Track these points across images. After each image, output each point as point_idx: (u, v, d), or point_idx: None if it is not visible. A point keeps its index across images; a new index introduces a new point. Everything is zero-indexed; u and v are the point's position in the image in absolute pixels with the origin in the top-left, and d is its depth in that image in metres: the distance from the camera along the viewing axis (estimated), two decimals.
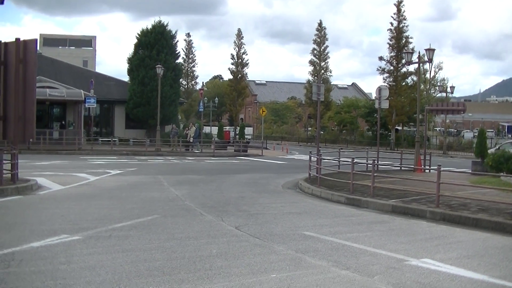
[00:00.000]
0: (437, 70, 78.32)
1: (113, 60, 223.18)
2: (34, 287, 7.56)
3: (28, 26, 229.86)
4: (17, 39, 19.17)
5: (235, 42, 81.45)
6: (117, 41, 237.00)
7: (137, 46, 57.89)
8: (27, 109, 19.14)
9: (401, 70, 65.29)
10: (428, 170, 28.37)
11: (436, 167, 16.47)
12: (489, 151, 30.60)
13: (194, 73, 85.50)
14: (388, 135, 69.39)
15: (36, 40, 20.17)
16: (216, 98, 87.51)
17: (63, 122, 48.32)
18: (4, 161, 19.22)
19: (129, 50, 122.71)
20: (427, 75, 72.04)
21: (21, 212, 14.10)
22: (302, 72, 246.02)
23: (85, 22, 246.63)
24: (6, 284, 7.65)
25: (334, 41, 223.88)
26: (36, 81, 20.58)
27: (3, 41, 19.54)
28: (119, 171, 26.89)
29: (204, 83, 74.27)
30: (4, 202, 15.87)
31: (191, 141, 48.52)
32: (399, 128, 72.14)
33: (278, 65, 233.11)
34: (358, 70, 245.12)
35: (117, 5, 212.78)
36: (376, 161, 23.35)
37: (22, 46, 19.39)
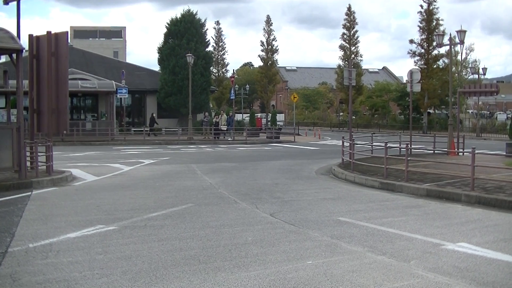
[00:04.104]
0: (468, 52, 77.43)
1: (142, 50, 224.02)
2: (72, 278, 7.62)
3: (56, 19, 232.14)
4: (48, 32, 19.39)
5: (264, 28, 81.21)
6: (145, 31, 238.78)
7: (167, 36, 58.11)
8: (60, 102, 19.43)
9: (432, 53, 64.54)
10: (461, 153, 28.13)
11: (469, 150, 16.30)
12: None
13: (225, 60, 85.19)
14: (421, 118, 68.80)
15: (67, 32, 20.44)
16: (247, 86, 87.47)
17: (95, 114, 48.73)
18: (39, 153, 19.43)
19: (157, 39, 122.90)
20: (459, 57, 71.31)
21: (56, 204, 14.22)
22: (331, 57, 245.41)
23: (112, 13, 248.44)
24: (45, 275, 7.73)
25: (363, 25, 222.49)
26: (68, 73, 20.82)
27: (34, 34, 19.76)
28: (152, 161, 27.03)
29: (234, 71, 74.17)
30: (40, 193, 16.02)
31: (224, 129, 48.66)
32: (431, 111, 71.49)
33: (307, 51, 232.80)
34: (388, 54, 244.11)
35: None
36: (409, 145, 23.16)
37: (54, 39, 19.63)
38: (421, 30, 65.14)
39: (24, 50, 18.02)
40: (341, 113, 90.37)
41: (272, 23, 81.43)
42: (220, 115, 51.07)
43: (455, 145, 29.27)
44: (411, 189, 16.66)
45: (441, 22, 65.05)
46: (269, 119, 65.82)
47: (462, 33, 31.40)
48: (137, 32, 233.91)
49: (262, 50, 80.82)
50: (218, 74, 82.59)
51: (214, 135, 47.61)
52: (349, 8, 77.04)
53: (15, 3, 21.93)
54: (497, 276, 7.85)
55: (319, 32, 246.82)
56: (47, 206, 13.82)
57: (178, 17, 57.96)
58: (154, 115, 52.88)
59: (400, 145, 26.36)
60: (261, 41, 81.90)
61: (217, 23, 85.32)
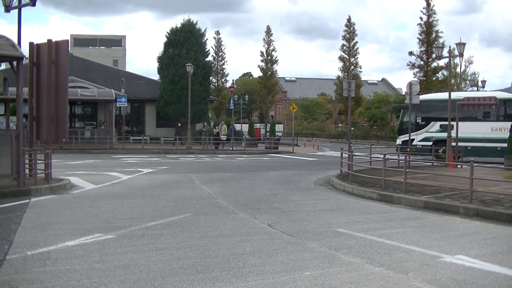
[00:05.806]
0: (467, 64, 77.74)
1: (140, 59, 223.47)
2: (70, 286, 7.61)
3: (55, 26, 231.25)
4: (49, 40, 19.42)
5: (264, 39, 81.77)
6: (143, 40, 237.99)
7: (166, 45, 58.20)
8: (59, 110, 19.45)
9: (432, 65, 64.78)
10: (460, 166, 28.12)
11: (468, 163, 16.29)
12: None
13: (224, 70, 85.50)
14: None
15: (67, 41, 20.48)
16: (246, 96, 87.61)
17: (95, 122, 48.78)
18: (37, 161, 19.43)
19: (156, 48, 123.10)
20: (458, 70, 71.49)
21: (55, 211, 14.21)
22: (330, 68, 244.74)
23: (111, 22, 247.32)
24: (43, 283, 7.72)
25: (362, 36, 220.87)
26: (68, 81, 20.84)
27: (35, 42, 19.78)
28: (151, 170, 27.02)
29: (234, 81, 74.51)
30: (38, 201, 16.01)
31: (224, 139, 48.78)
32: None
33: (306, 62, 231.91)
34: (386, 65, 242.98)
35: (142, 5, 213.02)
36: (408, 157, 23.17)
37: (54, 47, 19.66)
38: (420, 42, 65.45)
39: (24, 58, 18.03)
40: (340, 124, 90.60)
41: (272, 34, 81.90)
42: (220, 125, 51.18)
43: (454, 157, 29.27)
44: (409, 201, 16.65)
45: (440, 34, 65.42)
46: (268, 130, 65.92)
47: (461, 45, 31.41)
48: (136, 41, 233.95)
49: (261, 61, 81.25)
50: (217, 84, 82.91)
51: (215, 145, 47.71)
52: (349, 20, 77.46)
53: (15, 10, 21.98)
54: None
55: (317, 43, 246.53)
56: (45, 213, 13.81)
57: (178, 27, 58.06)
58: (179, 124, 53.18)
59: (398, 157, 26.38)
60: (261, 51, 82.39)
61: (217, 33, 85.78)
